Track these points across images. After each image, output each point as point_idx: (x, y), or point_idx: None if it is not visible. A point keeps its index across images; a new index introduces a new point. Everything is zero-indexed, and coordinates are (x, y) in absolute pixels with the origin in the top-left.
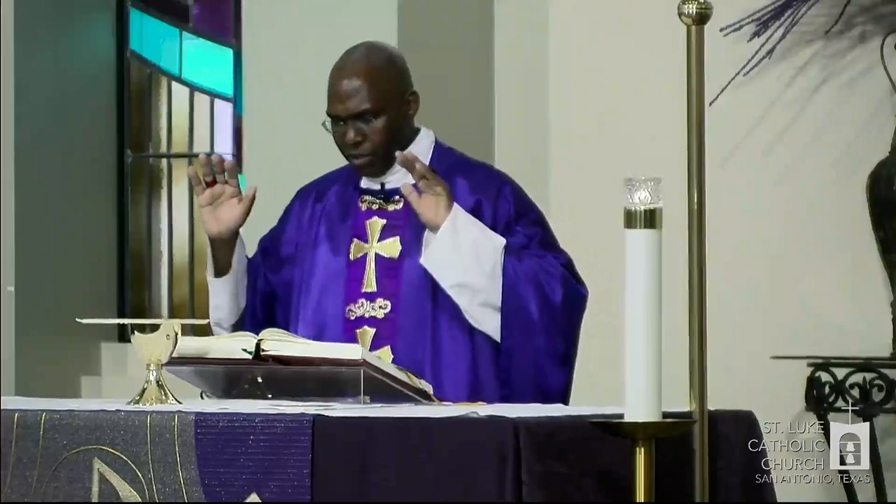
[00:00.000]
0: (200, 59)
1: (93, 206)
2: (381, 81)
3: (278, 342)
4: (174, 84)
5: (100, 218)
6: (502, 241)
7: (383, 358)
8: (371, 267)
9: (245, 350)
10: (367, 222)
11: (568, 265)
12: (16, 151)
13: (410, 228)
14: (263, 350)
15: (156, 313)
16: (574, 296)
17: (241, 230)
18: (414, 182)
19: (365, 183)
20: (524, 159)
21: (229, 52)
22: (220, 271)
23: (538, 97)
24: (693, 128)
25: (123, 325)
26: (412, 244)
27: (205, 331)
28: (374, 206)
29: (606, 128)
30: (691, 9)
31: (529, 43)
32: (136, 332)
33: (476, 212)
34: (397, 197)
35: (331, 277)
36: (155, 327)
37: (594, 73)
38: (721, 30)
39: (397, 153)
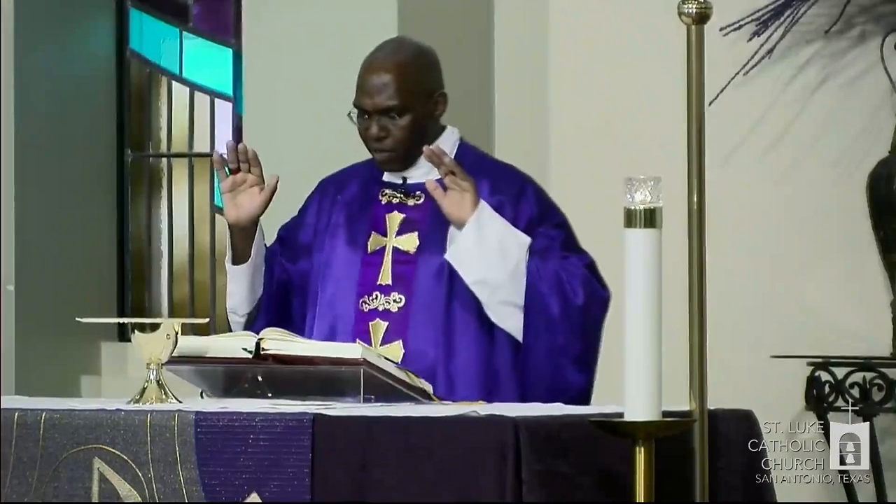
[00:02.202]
0: (200, 58)
1: (93, 206)
2: (410, 79)
3: (278, 341)
4: (174, 84)
5: (100, 218)
6: (527, 239)
7: (394, 353)
8: (388, 260)
9: (245, 349)
10: (387, 216)
11: (591, 267)
12: (16, 151)
13: (429, 225)
14: (263, 349)
15: (156, 313)
16: (596, 298)
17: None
18: (439, 178)
19: (387, 177)
20: (524, 159)
21: (229, 52)
22: (239, 259)
23: (538, 97)
24: (693, 128)
25: (123, 324)
26: (430, 240)
27: (205, 330)
28: (395, 201)
29: (606, 128)
30: (691, 8)
31: (529, 43)
32: (136, 331)
33: (498, 212)
34: (418, 192)
35: (347, 268)
36: (155, 326)
37: (594, 72)
38: (721, 29)
39: (425, 147)
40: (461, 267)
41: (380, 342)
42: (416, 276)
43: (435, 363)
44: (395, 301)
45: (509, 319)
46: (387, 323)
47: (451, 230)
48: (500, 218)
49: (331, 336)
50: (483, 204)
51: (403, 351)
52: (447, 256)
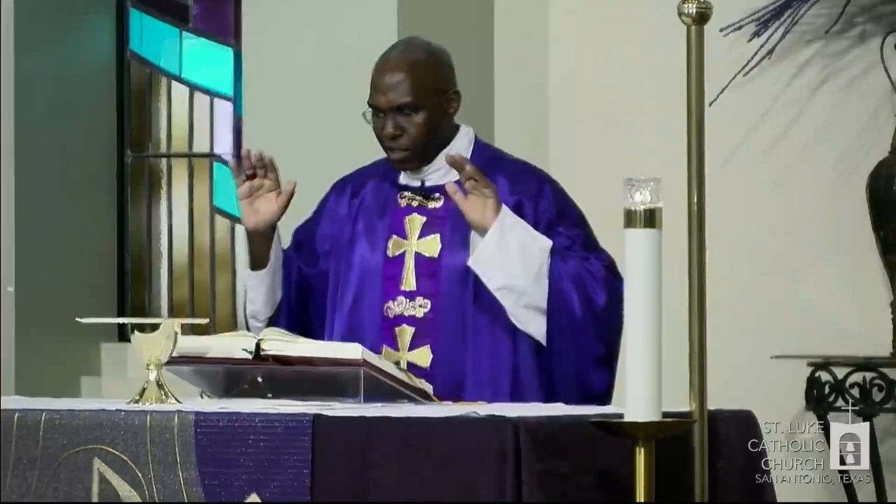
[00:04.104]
0: (200, 58)
1: (93, 206)
2: (424, 76)
3: (278, 342)
4: (174, 84)
5: (100, 218)
6: (548, 242)
7: (422, 358)
8: (410, 265)
9: (245, 350)
10: (407, 219)
11: (610, 266)
12: (16, 151)
13: (450, 226)
14: (263, 350)
15: (156, 313)
16: (617, 297)
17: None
18: (457, 180)
19: (404, 179)
20: (524, 159)
21: (229, 52)
22: (257, 265)
23: (538, 97)
24: (693, 128)
25: (123, 324)
26: (452, 242)
27: (205, 330)
28: (414, 203)
29: (606, 128)
30: (691, 9)
31: (529, 43)
32: (136, 331)
33: (517, 211)
34: (437, 194)
35: (369, 274)
36: (155, 327)
37: (594, 73)
38: (721, 30)
39: (446, 155)
40: (485, 274)
41: (407, 347)
42: (441, 281)
43: (464, 367)
44: (420, 306)
45: (533, 324)
46: (413, 328)
47: (473, 236)
48: (521, 222)
49: (353, 340)
50: (505, 209)
51: (432, 356)
52: (470, 263)
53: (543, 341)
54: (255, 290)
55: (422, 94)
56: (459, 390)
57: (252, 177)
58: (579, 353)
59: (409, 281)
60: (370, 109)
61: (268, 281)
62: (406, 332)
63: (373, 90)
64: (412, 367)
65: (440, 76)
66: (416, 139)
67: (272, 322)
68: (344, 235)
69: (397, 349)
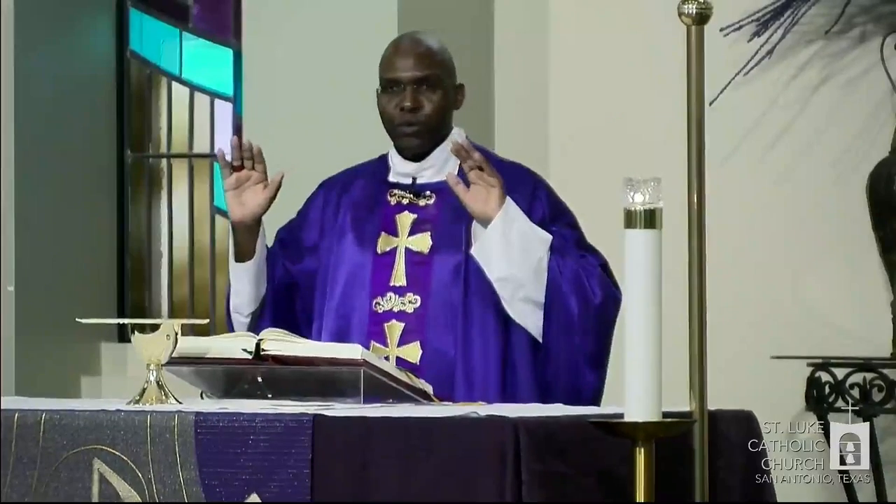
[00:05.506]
0: (200, 59)
1: (93, 206)
2: (440, 59)
3: (278, 342)
4: (174, 84)
5: (100, 218)
6: (548, 236)
7: (411, 354)
8: (401, 261)
9: (245, 350)
10: (397, 216)
11: (605, 267)
12: (16, 151)
13: (442, 224)
14: (263, 350)
15: (156, 313)
16: (611, 298)
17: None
18: (459, 171)
19: (393, 177)
20: (523, 159)
21: (229, 52)
22: (242, 256)
23: (538, 97)
24: (693, 128)
25: (123, 325)
26: (443, 240)
27: (205, 331)
28: (404, 201)
29: (606, 128)
30: (691, 9)
31: (529, 43)
32: (136, 332)
33: None
34: (429, 192)
35: (358, 270)
36: (155, 327)
37: (594, 72)
38: (721, 30)
39: (452, 141)
40: (487, 264)
41: (396, 343)
42: (432, 277)
43: (454, 363)
44: (410, 302)
45: (529, 317)
46: (403, 324)
47: (475, 226)
48: (523, 215)
49: (341, 337)
50: (509, 200)
51: (421, 352)
52: (473, 252)
53: (539, 337)
54: (240, 281)
55: (441, 72)
56: (449, 387)
57: (240, 168)
58: (573, 350)
59: (400, 277)
60: (379, 89)
61: (253, 272)
62: (395, 328)
63: (390, 68)
64: (402, 363)
65: (452, 66)
66: (432, 115)
67: (255, 317)
68: (332, 233)
69: (386, 345)
